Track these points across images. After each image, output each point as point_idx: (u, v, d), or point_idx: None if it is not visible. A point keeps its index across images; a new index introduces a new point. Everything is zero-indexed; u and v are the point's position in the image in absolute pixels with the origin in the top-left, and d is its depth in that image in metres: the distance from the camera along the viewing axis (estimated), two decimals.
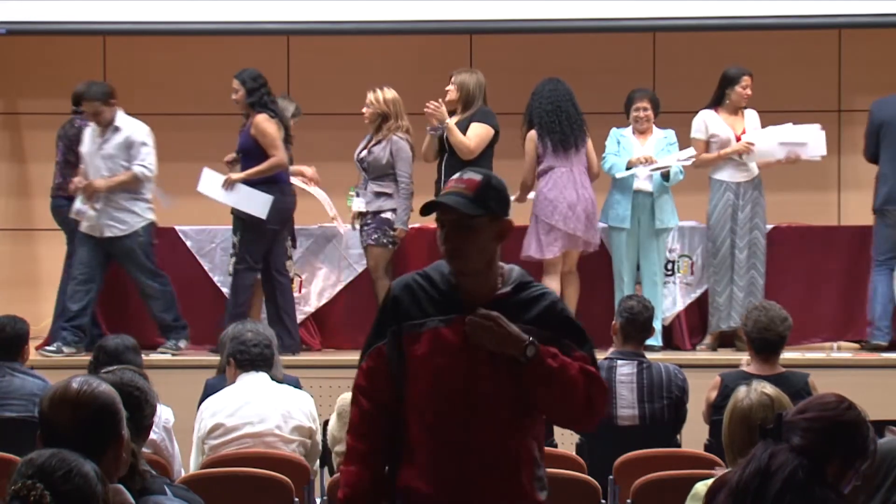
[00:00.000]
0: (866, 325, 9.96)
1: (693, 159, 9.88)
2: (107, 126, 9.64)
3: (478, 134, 9.55)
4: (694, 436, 7.16)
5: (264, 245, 9.63)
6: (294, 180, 10.04)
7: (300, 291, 10.08)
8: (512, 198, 4.97)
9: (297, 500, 5.93)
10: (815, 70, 11.46)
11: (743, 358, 7.45)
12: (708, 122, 9.90)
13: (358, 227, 9.82)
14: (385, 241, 9.64)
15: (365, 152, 9.73)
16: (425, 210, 4.11)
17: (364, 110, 9.75)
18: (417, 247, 9.85)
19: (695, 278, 10.09)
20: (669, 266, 10.05)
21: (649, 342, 8.27)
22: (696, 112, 10.00)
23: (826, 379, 7.11)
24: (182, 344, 9.73)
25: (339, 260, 10.13)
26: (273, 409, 6.52)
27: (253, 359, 6.67)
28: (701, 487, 4.42)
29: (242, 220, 9.64)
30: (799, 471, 3.38)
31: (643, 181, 9.81)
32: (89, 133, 9.73)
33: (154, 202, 9.84)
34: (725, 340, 9.98)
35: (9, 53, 11.57)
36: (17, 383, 7.19)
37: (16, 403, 7.12)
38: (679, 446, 6.87)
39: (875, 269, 9.83)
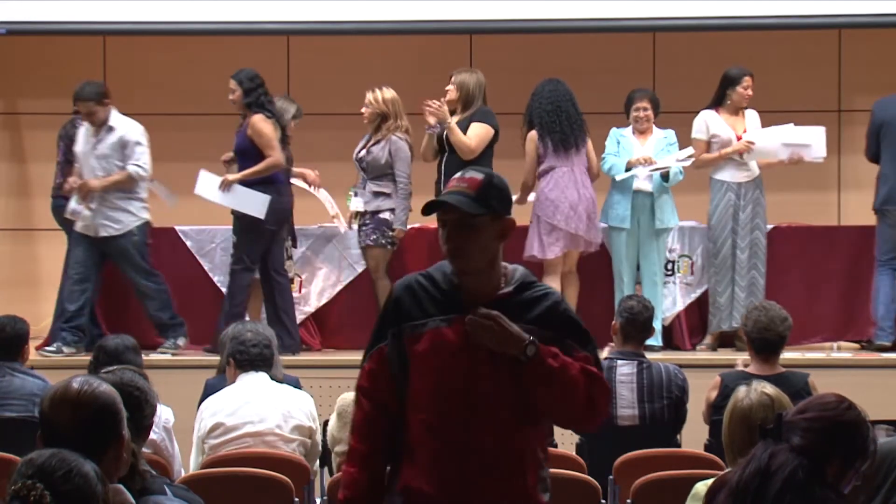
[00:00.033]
0: (867, 325, 9.97)
1: (692, 159, 9.88)
2: (101, 126, 9.65)
3: (478, 134, 9.56)
4: (694, 436, 7.16)
5: (262, 245, 9.63)
6: (295, 181, 10.06)
7: (300, 291, 10.08)
8: (513, 198, 4.97)
9: (297, 500, 5.93)
10: (815, 70, 11.46)
11: (738, 358, 7.46)
12: (709, 123, 9.90)
13: (356, 226, 9.82)
14: (384, 241, 9.65)
15: (364, 152, 9.73)
16: (427, 210, 4.10)
17: (363, 110, 9.75)
18: (417, 247, 9.85)
19: (695, 278, 10.09)
20: (669, 266, 10.05)
21: (649, 342, 8.27)
22: (696, 112, 10.00)
23: (826, 379, 7.11)
24: (181, 342, 9.73)
25: (339, 260, 10.14)
26: (273, 408, 6.52)
27: (252, 359, 6.67)
28: (701, 487, 4.42)
29: (240, 221, 9.65)
30: (799, 471, 3.38)
31: (643, 181, 9.81)
32: (83, 133, 9.73)
33: (150, 201, 9.84)
34: (725, 340, 9.98)
35: (9, 53, 11.57)
36: (17, 383, 7.19)
37: (16, 403, 7.12)
38: (679, 446, 6.87)
39: (878, 269, 9.84)
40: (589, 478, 6.00)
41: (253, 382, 6.62)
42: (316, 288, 10.15)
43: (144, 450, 4.58)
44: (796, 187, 10.97)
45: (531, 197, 9.81)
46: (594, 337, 4.18)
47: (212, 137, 10.79)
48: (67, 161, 10.01)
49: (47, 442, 3.32)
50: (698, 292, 10.09)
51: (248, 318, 9.29)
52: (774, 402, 4.46)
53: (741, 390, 4.55)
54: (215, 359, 7.58)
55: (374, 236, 9.64)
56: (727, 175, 9.87)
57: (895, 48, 11.27)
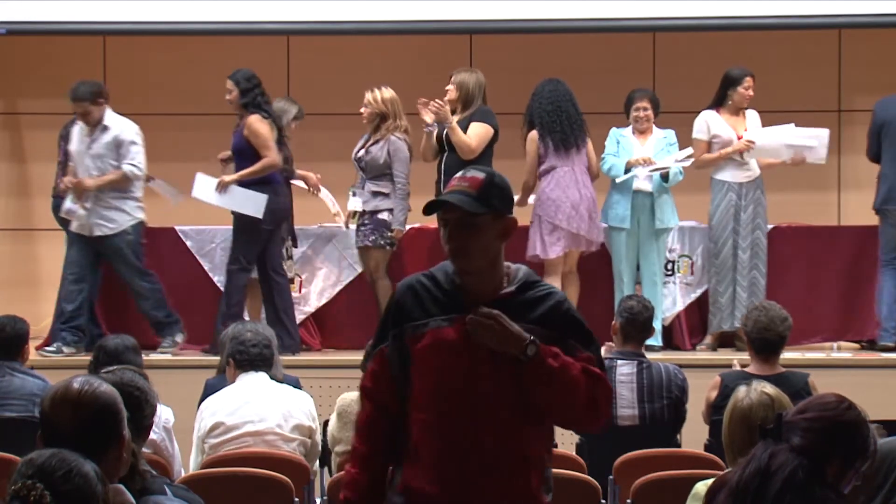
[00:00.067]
0: (867, 325, 9.98)
1: (691, 160, 9.88)
2: (95, 125, 9.65)
3: (478, 133, 9.57)
4: (694, 436, 7.16)
5: (258, 246, 9.63)
6: (296, 182, 10.06)
7: (300, 291, 10.08)
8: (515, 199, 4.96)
9: (297, 500, 5.93)
10: (815, 70, 11.46)
11: (734, 358, 7.46)
12: (710, 123, 9.90)
13: (354, 226, 9.82)
14: (382, 242, 9.64)
15: (362, 152, 9.73)
16: (428, 209, 4.10)
17: (362, 110, 9.75)
18: (417, 247, 9.85)
19: (695, 278, 10.09)
20: (669, 266, 10.05)
21: (649, 342, 8.27)
22: (696, 112, 10.00)
23: (826, 379, 7.11)
24: (179, 338, 9.73)
25: (339, 260, 10.14)
26: (273, 408, 6.52)
27: (252, 359, 6.67)
28: (701, 487, 4.42)
29: (237, 221, 9.66)
30: (799, 471, 3.38)
31: (643, 181, 9.81)
32: (77, 132, 9.73)
33: (149, 200, 9.85)
34: (725, 340, 9.97)
35: (9, 53, 11.57)
36: (17, 383, 7.19)
37: (16, 403, 7.12)
38: (679, 446, 6.87)
39: (882, 269, 9.84)
40: (589, 478, 6.00)
41: (253, 382, 6.62)
42: (316, 288, 10.15)
43: (144, 450, 4.58)
44: (796, 187, 10.97)
45: (531, 199, 9.81)
46: (597, 337, 4.18)
47: (212, 137, 10.78)
48: (69, 161, 10.01)
49: (48, 442, 3.31)
50: (698, 292, 10.09)
51: (248, 318, 9.30)
52: (774, 402, 4.45)
53: (741, 390, 4.55)
54: (215, 359, 7.58)
55: (373, 237, 9.63)
56: (728, 175, 9.87)
57: (895, 48, 11.27)
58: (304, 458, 6.43)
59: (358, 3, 10.70)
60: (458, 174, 4.15)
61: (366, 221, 9.68)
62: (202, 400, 6.79)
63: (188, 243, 10.17)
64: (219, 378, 7.02)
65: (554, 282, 9.42)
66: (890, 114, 9.82)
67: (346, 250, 10.07)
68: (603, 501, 6.04)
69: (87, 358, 7.53)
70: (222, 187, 9.58)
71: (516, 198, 9.29)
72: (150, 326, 9.75)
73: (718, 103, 9.97)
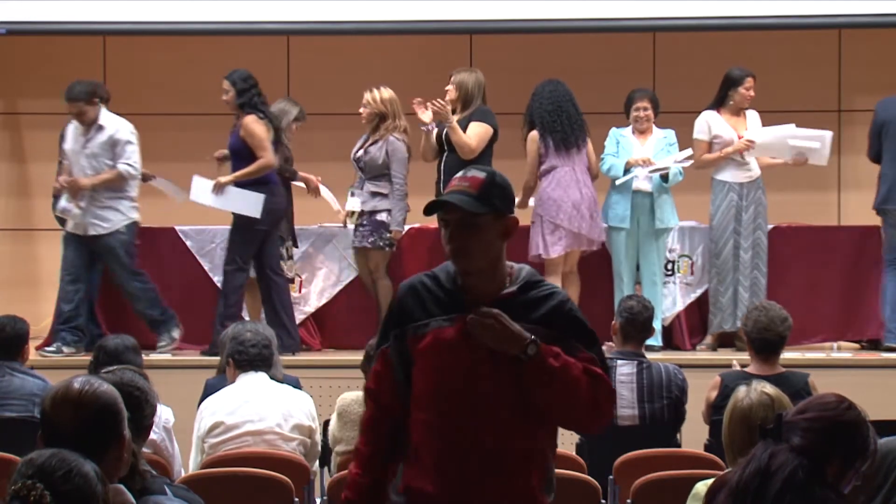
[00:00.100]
0: (867, 325, 9.99)
1: (690, 160, 9.87)
2: (91, 125, 9.65)
3: (478, 133, 9.57)
4: (694, 436, 7.16)
5: (254, 246, 9.63)
6: (297, 183, 10.06)
7: (300, 291, 10.08)
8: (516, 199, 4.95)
9: (297, 500, 5.93)
10: (815, 70, 11.46)
11: (734, 358, 7.46)
12: (711, 123, 9.89)
13: (352, 226, 9.81)
14: (381, 244, 9.64)
15: (361, 152, 9.73)
16: (429, 209, 4.09)
17: (361, 110, 9.74)
18: (417, 247, 9.85)
19: (695, 278, 10.09)
20: (669, 266, 10.05)
21: (649, 342, 8.27)
22: (697, 112, 10.00)
23: (826, 379, 7.11)
24: (175, 333, 9.72)
25: (339, 260, 10.13)
26: (273, 407, 6.52)
27: (252, 359, 6.67)
28: (701, 487, 4.42)
29: (234, 221, 9.66)
30: (799, 471, 3.38)
31: (642, 181, 9.81)
32: (72, 131, 9.73)
33: (149, 201, 9.85)
34: (725, 340, 9.97)
35: (9, 53, 11.57)
36: (17, 383, 7.19)
37: (16, 403, 7.12)
38: (679, 446, 6.87)
39: (886, 269, 9.83)
40: (589, 478, 6.00)
41: (253, 382, 6.62)
42: (316, 288, 10.15)
43: (144, 450, 4.58)
44: (796, 187, 10.97)
45: (531, 202, 9.81)
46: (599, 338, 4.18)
47: (212, 137, 10.77)
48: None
49: (48, 442, 3.31)
50: (698, 292, 10.09)
51: (247, 318, 9.30)
52: (774, 402, 4.45)
53: (741, 390, 4.55)
54: (215, 359, 7.58)
55: (372, 238, 9.63)
56: (729, 175, 9.87)
57: (895, 48, 11.27)
58: (303, 458, 6.43)
59: (358, 3, 10.69)
60: (459, 174, 4.14)
61: (364, 223, 9.67)
62: (202, 400, 6.79)
63: (188, 243, 10.17)
64: (219, 378, 7.02)
65: (554, 281, 9.42)
66: (890, 114, 9.82)
67: (347, 250, 10.07)
68: (603, 501, 6.04)
69: (87, 358, 7.53)
70: (219, 188, 9.58)
71: (517, 199, 9.29)
72: (147, 325, 9.75)
73: (719, 104, 9.96)
